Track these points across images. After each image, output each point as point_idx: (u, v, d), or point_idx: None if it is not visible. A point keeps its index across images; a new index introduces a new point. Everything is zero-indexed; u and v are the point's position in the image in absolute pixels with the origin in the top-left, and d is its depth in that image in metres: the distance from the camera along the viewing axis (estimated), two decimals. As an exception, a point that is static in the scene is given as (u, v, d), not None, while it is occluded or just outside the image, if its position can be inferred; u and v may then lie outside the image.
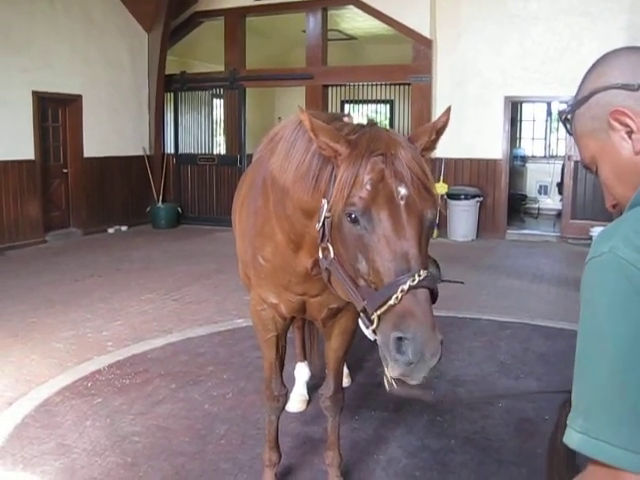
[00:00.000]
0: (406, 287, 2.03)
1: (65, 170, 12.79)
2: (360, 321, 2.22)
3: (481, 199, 12.43)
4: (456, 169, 12.79)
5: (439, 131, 2.35)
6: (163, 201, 14.56)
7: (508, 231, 12.94)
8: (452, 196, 12.53)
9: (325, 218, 2.30)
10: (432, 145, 2.37)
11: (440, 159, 12.76)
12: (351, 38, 17.37)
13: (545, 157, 16.91)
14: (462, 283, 8.80)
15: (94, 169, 13.11)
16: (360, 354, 5.80)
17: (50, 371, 5.55)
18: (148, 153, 14.52)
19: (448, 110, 2.37)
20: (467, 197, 12.39)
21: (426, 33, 12.33)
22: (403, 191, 2.14)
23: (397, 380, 2.09)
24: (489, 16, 12.25)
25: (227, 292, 8.28)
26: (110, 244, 12.15)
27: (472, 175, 12.65)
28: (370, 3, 12.63)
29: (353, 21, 15.31)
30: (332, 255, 2.30)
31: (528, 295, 8.36)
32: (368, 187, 2.15)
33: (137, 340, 6.43)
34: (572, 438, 1.10)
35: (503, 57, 12.19)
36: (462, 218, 12.43)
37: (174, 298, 8.09)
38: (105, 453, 4.09)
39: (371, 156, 2.19)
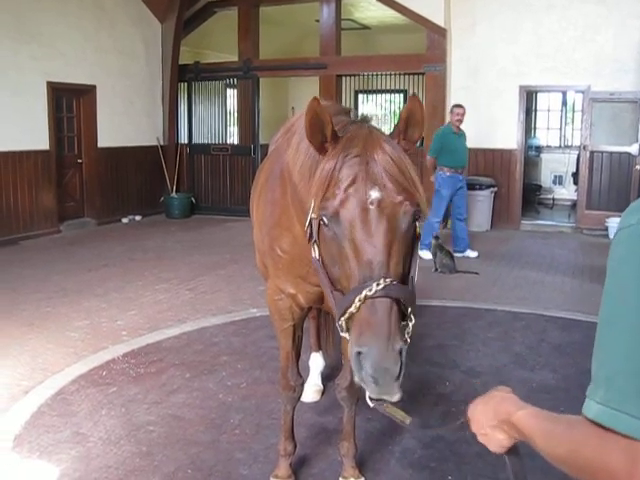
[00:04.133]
0: (362, 296, 1.95)
1: (79, 160, 12.83)
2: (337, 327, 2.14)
3: (496, 189, 12.36)
4: (470, 159, 12.69)
5: (407, 122, 2.21)
6: (177, 191, 14.59)
7: (523, 221, 12.87)
8: (467, 186, 12.44)
9: (312, 219, 2.23)
10: (411, 138, 2.23)
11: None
12: (365, 27, 17.29)
13: (560, 147, 16.79)
14: (477, 274, 8.81)
15: (108, 159, 13.14)
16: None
17: (65, 360, 5.58)
18: (162, 143, 14.54)
19: (412, 98, 2.21)
20: (481, 187, 12.32)
21: (440, 22, 12.25)
22: (374, 195, 2.06)
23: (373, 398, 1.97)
24: (504, 4, 12.15)
25: (241, 282, 8.28)
26: (124, 234, 12.18)
27: (487, 165, 12.58)
28: (384, -8, 12.56)
29: (367, 10, 15.23)
30: (316, 256, 2.24)
31: (543, 286, 8.32)
32: (338, 191, 2.09)
33: (152, 329, 6.45)
34: (591, 409, 1.09)
35: (518, 46, 12.09)
36: (476, 208, 12.35)
37: (188, 288, 8.10)
38: (120, 442, 4.10)
39: (346, 158, 2.12)
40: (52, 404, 4.68)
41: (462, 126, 9.99)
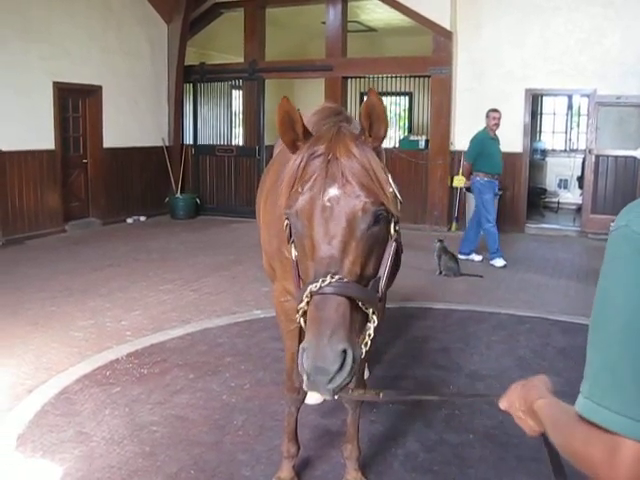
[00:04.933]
0: (307, 292, 1.98)
1: (85, 160, 12.85)
2: None
3: (500, 192, 12.32)
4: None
5: (369, 118, 2.17)
6: (182, 192, 14.59)
7: (527, 225, 12.85)
8: (471, 189, 12.44)
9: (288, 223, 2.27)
10: (377, 135, 2.20)
11: (460, 152, 12.68)
12: (371, 30, 17.30)
13: (565, 151, 16.75)
14: (481, 277, 8.80)
15: (113, 160, 13.15)
16: (379, 346, 5.79)
17: (69, 359, 5.59)
18: (167, 144, 14.55)
19: (369, 93, 2.16)
20: (486, 190, 12.29)
21: (446, 24, 12.25)
22: (332, 192, 2.07)
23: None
24: (510, 7, 12.12)
25: (245, 283, 8.29)
26: (129, 234, 12.19)
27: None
28: (390, -6, 12.57)
29: (373, 12, 15.24)
30: (293, 256, 2.28)
31: (547, 289, 8.30)
32: (300, 189, 2.12)
33: (156, 330, 6.46)
34: (578, 402, 1.14)
35: (524, 49, 12.07)
36: (481, 211, 12.35)
37: (192, 288, 8.11)
38: (123, 442, 4.11)
39: (311, 157, 2.14)
40: (56, 403, 4.69)
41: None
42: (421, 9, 12.28)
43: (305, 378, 1.93)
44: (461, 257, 9.47)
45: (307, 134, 2.23)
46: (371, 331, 2.10)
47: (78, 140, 12.76)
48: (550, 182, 16.27)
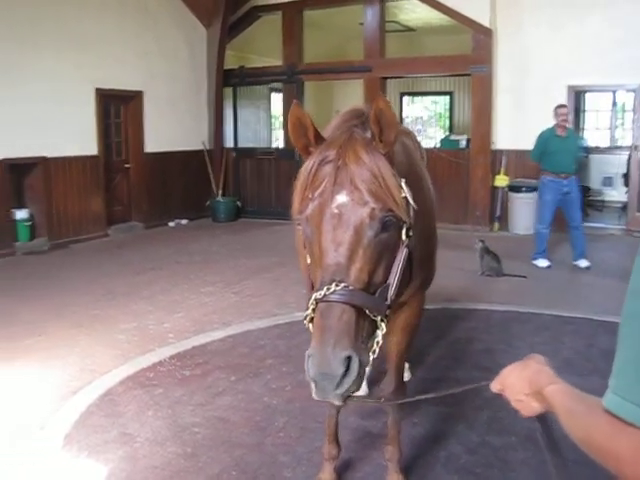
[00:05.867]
0: (313, 299, 2.00)
1: (127, 165, 13.02)
2: None
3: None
4: (517, 161, 12.55)
5: (378, 124, 2.16)
6: (222, 195, 14.69)
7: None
8: (513, 188, 12.33)
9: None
10: (387, 140, 2.19)
11: (501, 151, 12.57)
12: (409, 29, 17.20)
13: (610, 148, 16.45)
14: (524, 277, 8.69)
15: (155, 164, 13.31)
16: (421, 348, 5.76)
17: (113, 361, 5.65)
18: (207, 147, 14.66)
19: (377, 98, 2.15)
20: (528, 190, 12.15)
21: (486, 22, 12.13)
22: (340, 199, 2.08)
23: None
24: (551, 3, 11.92)
25: (287, 285, 8.30)
26: (170, 237, 12.31)
27: (534, 167, 12.36)
28: (428, -7, 12.50)
29: (411, 12, 15.16)
30: (308, 261, 2.28)
31: (592, 289, 8.16)
32: (310, 196, 2.12)
33: (197, 332, 6.50)
34: (606, 396, 1.13)
35: (565, 45, 11.85)
36: (523, 211, 12.21)
37: (234, 291, 8.15)
38: (166, 443, 4.14)
39: (321, 163, 2.15)
40: (100, 405, 4.75)
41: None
42: (460, 7, 12.19)
43: (312, 386, 1.96)
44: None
45: (319, 139, 2.24)
46: (379, 338, 2.10)
47: (120, 145, 12.94)
48: (594, 180, 15.99)
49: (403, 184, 2.23)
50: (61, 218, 11.34)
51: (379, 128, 2.17)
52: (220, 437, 4.24)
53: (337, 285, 1.97)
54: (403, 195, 2.19)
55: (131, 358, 5.75)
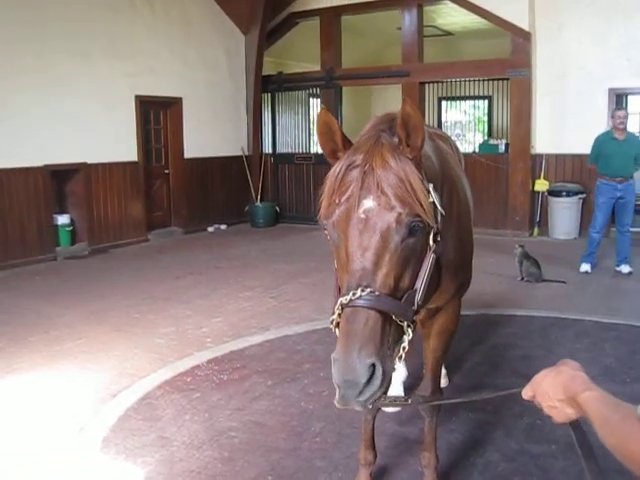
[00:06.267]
0: (338, 304, 1.99)
1: (166, 171, 13.18)
2: None
3: (584, 196, 12.00)
4: (557, 165, 12.40)
5: (405, 128, 2.14)
6: (261, 200, 14.77)
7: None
8: (553, 193, 12.17)
9: None
10: (414, 145, 2.17)
11: (541, 155, 12.42)
12: (447, 34, 17.13)
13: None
14: (564, 283, 8.56)
15: (194, 169, 13.44)
16: (459, 354, 5.72)
17: (152, 365, 5.71)
18: (246, 153, 14.76)
19: (403, 102, 2.11)
20: (569, 194, 12.00)
21: (525, 25, 12.00)
22: (367, 204, 2.07)
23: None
24: (591, 5, 11.74)
25: (325, 290, 8.28)
26: (209, 242, 12.40)
27: (574, 171, 12.23)
28: (466, -3, 12.42)
29: (449, 16, 15.09)
30: (335, 266, 2.28)
31: (635, 295, 8.01)
32: (336, 201, 2.11)
33: (235, 337, 6.53)
34: None
35: (606, 47, 11.67)
36: (564, 216, 12.05)
37: (272, 296, 8.17)
38: (203, 447, 4.16)
39: (348, 168, 2.13)
40: (138, 408, 4.80)
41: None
42: (498, 11, 12.09)
43: (337, 392, 1.95)
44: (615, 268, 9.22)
45: (347, 144, 2.24)
46: (405, 344, 2.09)
47: (160, 151, 13.10)
48: (638, 183, 15.67)
49: (431, 189, 2.21)
50: (102, 223, 11.52)
51: (406, 132, 2.15)
52: (257, 441, 4.25)
53: (363, 290, 1.97)
54: (430, 200, 2.17)
55: (169, 362, 5.79)
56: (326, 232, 2.22)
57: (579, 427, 1.55)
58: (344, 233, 2.09)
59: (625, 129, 9.02)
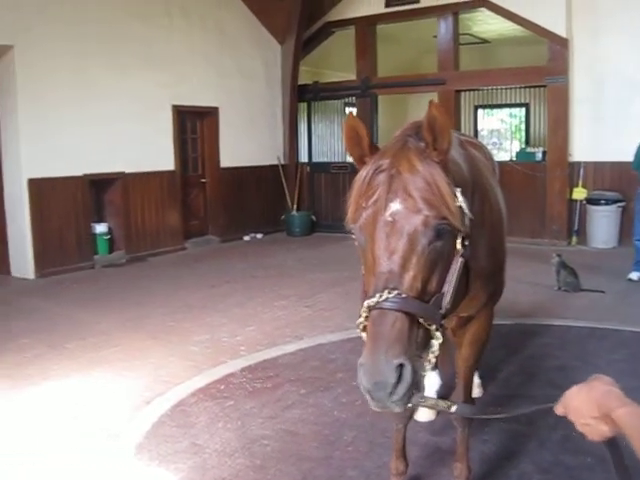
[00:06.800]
0: (365, 307, 1.99)
1: (203, 180, 13.30)
2: None
3: (624, 204, 11.80)
4: (596, 173, 12.23)
5: (431, 131, 2.14)
6: (297, 209, 14.82)
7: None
8: (592, 201, 12.01)
9: None
10: (441, 148, 2.15)
11: (579, 163, 12.27)
12: (483, 41, 17.05)
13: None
14: (603, 292, 8.43)
15: (230, 179, 13.53)
16: (493, 364, 5.66)
17: (186, 373, 5.75)
18: (282, 162, 14.83)
19: (430, 105, 2.12)
20: (607, 202, 11.82)
21: (561, 32, 11.88)
22: (394, 207, 2.06)
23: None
24: (629, 10, 11.53)
25: (358, 299, 8.26)
26: (246, 251, 12.47)
27: (613, 179, 12.04)
28: (502, 4, 12.33)
29: (485, 24, 15.00)
30: (362, 271, 2.27)
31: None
32: (364, 204, 2.12)
33: (269, 345, 6.55)
34: None
35: (645, 53, 11.51)
36: (602, 224, 11.87)
37: (307, 304, 8.18)
38: (235, 454, 4.18)
39: (375, 172, 2.14)
40: (172, 415, 4.84)
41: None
42: (535, 17, 11.99)
43: (368, 397, 1.94)
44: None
45: (374, 149, 2.25)
46: (436, 348, 2.07)
47: (196, 160, 13.23)
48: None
49: (458, 193, 2.20)
50: (139, 232, 11.66)
51: (432, 136, 2.15)
52: (289, 450, 4.25)
53: (390, 292, 1.97)
54: (458, 204, 2.16)
55: (203, 370, 5.83)
56: (354, 236, 2.23)
57: (615, 445, 1.50)
58: (371, 236, 2.09)
59: None
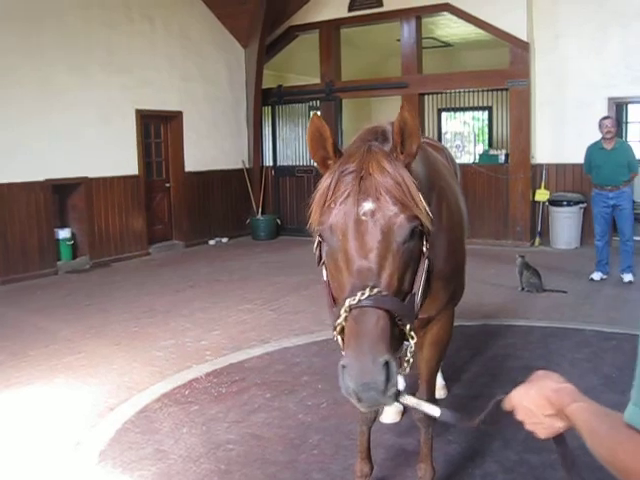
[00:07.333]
0: (346, 306, 1.93)
1: (167, 184, 13.21)
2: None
3: (585, 205, 11.98)
4: (558, 175, 12.41)
5: (401, 134, 2.15)
6: (262, 213, 14.79)
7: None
8: (554, 203, 12.17)
9: (319, 241, 2.24)
10: (409, 151, 2.17)
11: (541, 165, 12.43)
12: (446, 45, 17.20)
13: (654, 160, 16.11)
14: (565, 292, 8.55)
15: (195, 183, 13.47)
16: (458, 364, 5.71)
17: (150, 379, 5.70)
18: (247, 166, 14.79)
19: (401, 109, 2.13)
20: (569, 204, 12.01)
21: (523, 36, 12.04)
22: (368, 206, 2.05)
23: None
24: (589, 14, 11.76)
25: (324, 303, 8.20)
26: (211, 255, 12.41)
27: (575, 181, 12.23)
28: (464, 8, 12.47)
29: (448, 27, 15.14)
30: (324, 277, 2.24)
31: (636, 305, 7.98)
32: (333, 205, 2.09)
33: (235, 349, 6.53)
34: (627, 411, 1.09)
35: (605, 56, 11.69)
36: (564, 225, 12.05)
37: (272, 308, 8.16)
38: (200, 460, 4.15)
39: (342, 174, 2.12)
40: (136, 421, 4.79)
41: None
42: (496, 21, 12.14)
43: (355, 399, 1.88)
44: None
45: (338, 152, 2.22)
46: (412, 347, 2.07)
47: (160, 165, 13.14)
48: (638, 193, 15.67)
49: (421, 196, 2.20)
50: (103, 237, 11.54)
51: (402, 138, 2.16)
52: (254, 454, 4.24)
53: (371, 290, 1.93)
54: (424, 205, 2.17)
55: (168, 375, 5.79)
56: (317, 239, 2.22)
57: (563, 441, 1.50)
58: (344, 236, 2.06)
59: (613, 138, 9.01)
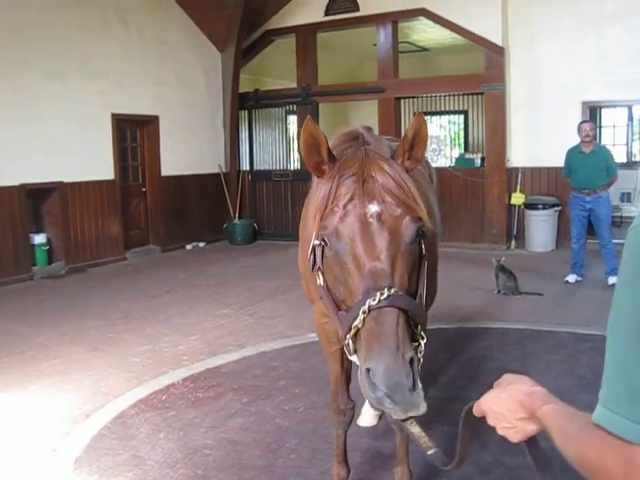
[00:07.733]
0: (366, 307, 1.89)
1: (144, 189, 13.14)
2: (345, 349, 2.05)
3: (560, 208, 12.10)
4: (533, 178, 12.51)
5: (413, 140, 2.18)
6: (239, 217, 14.76)
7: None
8: (529, 206, 12.27)
9: (315, 245, 2.21)
10: (416, 157, 2.20)
11: (517, 168, 12.53)
12: (422, 49, 17.29)
13: (627, 163, 16.32)
14: (541, 295, 8.62)
15: (172, 187, 13.42)
16: (435, 368, 5.73)
17: (127, 384, 5.67)
18: (224, 170, 14.76)
19: (418, 115, 2.18)
20: (545, 207, 12.11)
21: (498, 41, 12.15)
22: (374, 208, 2.05)
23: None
24: (563, 18, 11.87)
25: (301, 307, 8.26)
26: (188, 260, 12.37)
27: (550, 184, 12.34)
28: (440, 13, 12.55)
29: (424, 32, 15.23)
30: (321, 282, 2.21)
31: (610, 307, 8.03)
32: (337, 209, 2.08)
33: (212, 354, 6.51)
34: (595, 410, 1.08)
35: (579, 61, 11.81)
36: (540, 228, 12.15)
37: (249, 313, 8.15)
38: (177, 465, 4.14)
39: (342, 178, 2.12)
40: (112, 427, 4.76)
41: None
42: (472, 26, 12.23)
43: (388, 405, 1.81)
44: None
45: (332, 157, 2.21)
46: (422, 348, 2.05)
47: (137, 169, 13.08)
48: (612, 196, 15.83)
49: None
50: (78, 242, 11.45)
51: (412, 144, 2.18)
52: (231, 459, 4.23)
53: (389, 290, 1.91)
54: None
55: (144, 381, 5.76)
56: (312, 247, 2.20)
57: (536, 443, 1.49)
58: (351, 238, 2.04)
59: (592, 142, 9.10)
